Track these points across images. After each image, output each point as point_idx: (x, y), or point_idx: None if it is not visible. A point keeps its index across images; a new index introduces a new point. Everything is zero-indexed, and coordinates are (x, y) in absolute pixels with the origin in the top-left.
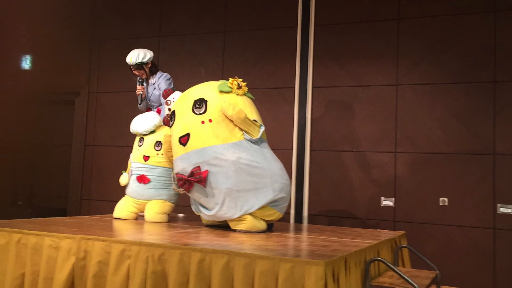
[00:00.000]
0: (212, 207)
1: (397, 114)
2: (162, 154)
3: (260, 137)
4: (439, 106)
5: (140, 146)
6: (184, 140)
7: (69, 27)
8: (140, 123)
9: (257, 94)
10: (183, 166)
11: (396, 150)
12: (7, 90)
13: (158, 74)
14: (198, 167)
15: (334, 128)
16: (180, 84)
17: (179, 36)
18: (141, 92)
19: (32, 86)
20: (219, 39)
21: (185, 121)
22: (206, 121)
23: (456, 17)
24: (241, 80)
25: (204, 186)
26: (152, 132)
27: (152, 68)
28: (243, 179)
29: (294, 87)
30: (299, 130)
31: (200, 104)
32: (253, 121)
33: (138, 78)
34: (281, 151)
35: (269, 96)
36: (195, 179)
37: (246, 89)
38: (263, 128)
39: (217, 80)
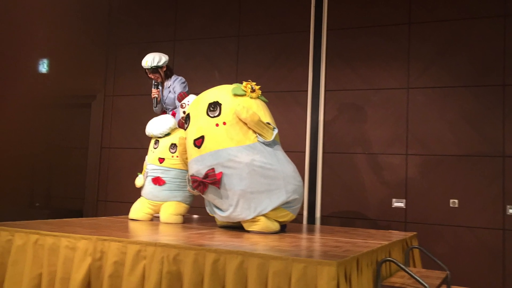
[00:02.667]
0: (226, 208)
1: (408, 117)
2: (177, 156)
3: (274, 140)
4: (450, 109)
5: (155, 148)
6: (198, 142)
7: (86, 31)
8: (156, 125)
9: (270, 97)
10: (198, 168)
11: (407, 152)
12: (25, 93)
13: (173, 77)
14: (213, 169)
15: (346, 130)
16: (195, 87)
17: (194, 40)
18: (156, 95)
19: (49, 90)
20: (233, 43)
21: (200, 123)
22: (220, 124)
23: (466, 21)
24: (254, 83)
25: (218, 188)
26: (167, 134)
27: (167, 71)
28: (257, 181)
29: (307, 90)
30: (312, 132)
31: (214, 107)
32: (267, 124)
33: (153, 82)
34: (294, 153)
35: (282, 99)
36: (209, 181)
37: (259, 92)
38: (276, 131)
39: (231, 83)
